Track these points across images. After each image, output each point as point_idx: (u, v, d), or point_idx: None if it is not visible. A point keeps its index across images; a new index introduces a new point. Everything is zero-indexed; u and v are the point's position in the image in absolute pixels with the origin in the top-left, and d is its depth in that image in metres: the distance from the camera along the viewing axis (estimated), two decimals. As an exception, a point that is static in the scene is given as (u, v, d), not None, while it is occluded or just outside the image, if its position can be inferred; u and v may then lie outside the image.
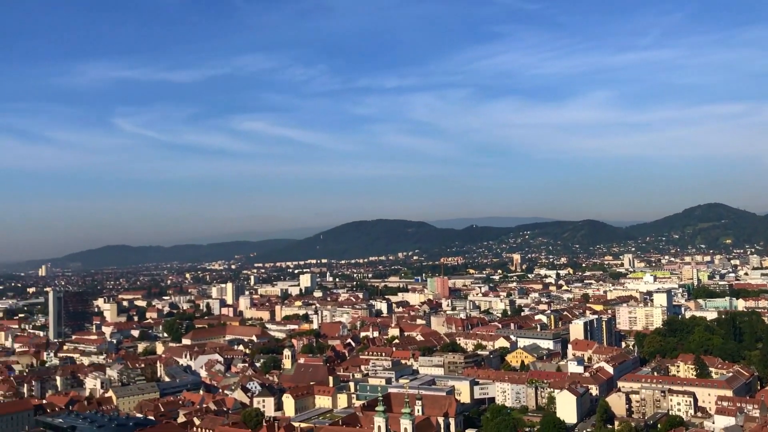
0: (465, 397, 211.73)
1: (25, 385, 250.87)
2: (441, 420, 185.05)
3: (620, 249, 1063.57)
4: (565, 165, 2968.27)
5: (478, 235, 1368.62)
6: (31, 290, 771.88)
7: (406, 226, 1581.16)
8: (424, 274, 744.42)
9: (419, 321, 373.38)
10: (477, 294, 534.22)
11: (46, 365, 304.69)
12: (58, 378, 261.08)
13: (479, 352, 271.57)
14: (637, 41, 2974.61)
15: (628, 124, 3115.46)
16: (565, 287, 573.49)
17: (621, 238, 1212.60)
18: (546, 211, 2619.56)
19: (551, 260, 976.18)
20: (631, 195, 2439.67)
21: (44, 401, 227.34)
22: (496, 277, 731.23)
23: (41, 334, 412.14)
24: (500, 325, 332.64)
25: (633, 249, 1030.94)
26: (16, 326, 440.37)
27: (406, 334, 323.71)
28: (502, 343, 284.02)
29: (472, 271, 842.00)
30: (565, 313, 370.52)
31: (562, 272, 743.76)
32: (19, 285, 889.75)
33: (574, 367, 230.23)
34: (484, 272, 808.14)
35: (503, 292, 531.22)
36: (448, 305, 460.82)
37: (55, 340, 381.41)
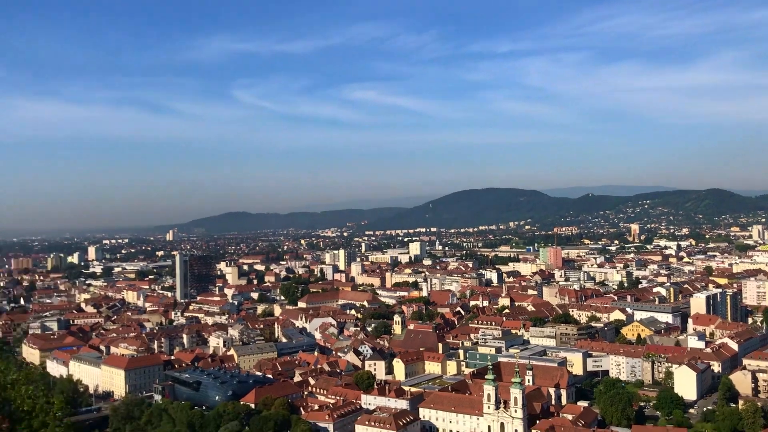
0: (577, 369, 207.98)
1: (156, 341, 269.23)
2: (552, 391, 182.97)
3: (748, 220, 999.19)
4: (689, 130, 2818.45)
5: (594, 204, 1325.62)
6: (159, 254, 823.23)
7: (518, 194, 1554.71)
8: (536, 244, 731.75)
9: (530, 291, 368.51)
10: (592, 265, 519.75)
11: (174, 324, 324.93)
12: (184, 336, 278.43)
13: (593, 324, 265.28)
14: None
15: (760, 87, 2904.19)
16: (686, 259, 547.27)
17: (750, 208, 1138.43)
18: (667, 179, 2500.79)
19: (672, 231, 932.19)
20: (761, 162, 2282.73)
21: (172, 357, 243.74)
22: (613, 248, 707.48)
23: (169, 294, 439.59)
24: (616, 298, 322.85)
25: (763, 220, 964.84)
26: (147, 287, 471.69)
27: (516, 304, 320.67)
28: (617, 315, 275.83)
29: (587, 241, 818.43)
30: (686, 286, 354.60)
31: (684, 243, 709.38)
32: (149, 249, 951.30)
33: (694, 342, 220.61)
34: (600, 243, 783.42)
35: (620, 263, 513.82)
36: (561, 276, 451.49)
37: (182, 301, 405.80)
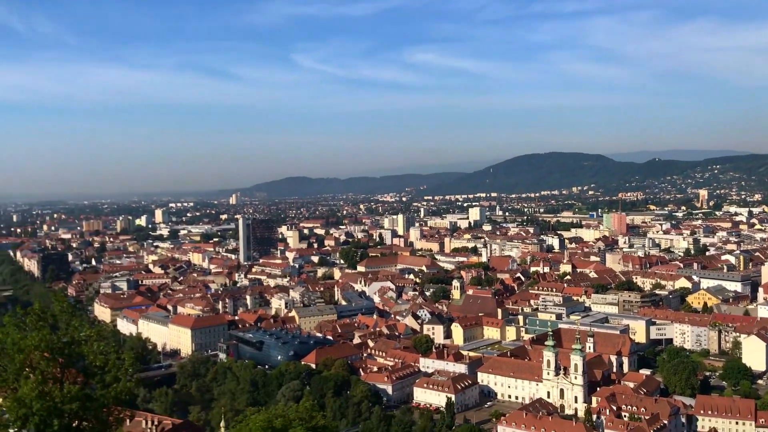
0: (640, 337, 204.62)
1: (220, 302, 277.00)
2: (613, 358, 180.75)
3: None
4: (763, 92, 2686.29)
5: (660, 169, 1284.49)
6: (223, 217, 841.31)
7: (582, 159, 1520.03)
8: (599, 210, 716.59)
9: (593, 258, 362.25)
10: (657, 231, 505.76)
11: (237, 285, 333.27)
12: (247, 297, 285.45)
13: (657, 291, 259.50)
14: None
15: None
16: (758, 226, 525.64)
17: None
18: (739, 143, 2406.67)
19: (743, 197, 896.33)
20: None
21: (236, 317, 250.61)
22: (680, 214, 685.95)
23: (233, 257, 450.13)
24: (682, 265, 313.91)
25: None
26: (212, 249, 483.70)
27: (578, 270, 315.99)
28: (683, 283, 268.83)
29: (652, 207, 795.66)
30: (757, 254, 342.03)
31: (756, 210, 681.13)
32: (213, 212, 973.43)
33: (765, 312, 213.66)
34: (666, 208, 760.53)
35: (687, 230, 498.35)
36: (625, 242, 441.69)
37: (245, 263, 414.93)
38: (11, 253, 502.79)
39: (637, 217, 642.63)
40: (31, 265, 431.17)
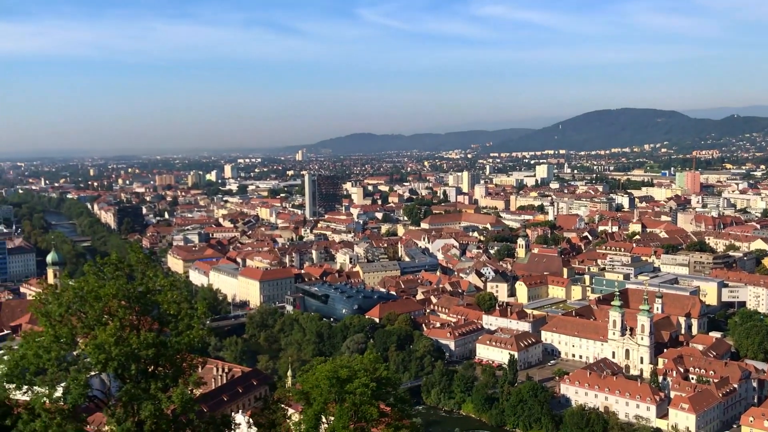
0: (711, 299, 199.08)
1: (287, 256, 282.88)
2: (682, 320, 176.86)
3: None
4: None
5: (739, 126, 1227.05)
6: (289, 173, 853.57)
7: (655, 115, 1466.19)
8: (672, 168, 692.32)
9: (664, 217, 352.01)
10: (733, 191, 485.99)
11: (303, 240, 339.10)
12: (313, 252, 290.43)
13: (731, 253, 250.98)
14: None
15: None
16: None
17: None
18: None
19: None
20: None
21: (302, 271, 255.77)
22: (758, 173, 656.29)
23: (299, 212, 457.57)
24: (758, 226, 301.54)
25: None
26: (278, 204, 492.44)
27: (648, 230, 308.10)
28: (759, 245, 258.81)
29: (728, 166, 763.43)
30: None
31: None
32: (280, 168, 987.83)
33: None
34: (744, 167, 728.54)
35: (765, 189, 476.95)
36: (698, 202, 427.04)
37: (311, 219, 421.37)
38: (89, 206, 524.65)
39: (712, 176, 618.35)
40: (108, 217, 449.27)
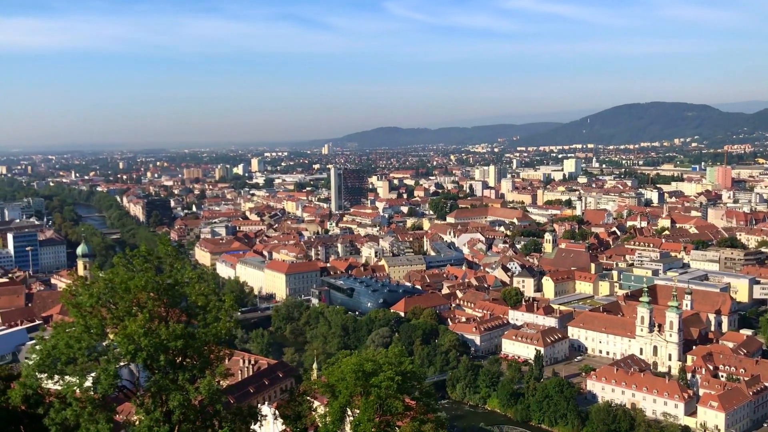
0: (742, 296, 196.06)
1: (313, 249, 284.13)
2: (712, 317, 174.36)
3: None
4: None
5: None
6: (315, 167, 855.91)
7: (686, 109, 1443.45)
8: (703, 163, 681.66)
9: (694, 213, 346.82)
10: (766, 186, 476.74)
11: (329, 233, 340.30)
12: (339, 245, 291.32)
13: (763, 249, 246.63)
14: None
15: None
16: None
17: None
18: None
19: None
20: None
21: (328, 264, 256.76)
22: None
23: (325, 205, 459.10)
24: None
25: None
26: (305, 198, 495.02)
27: (678, 225, 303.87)
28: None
29: (761, 160, 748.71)
30: None
31: None
32: (306, 162, 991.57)
33: None
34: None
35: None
36: (729, 197, 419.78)
37: (336, 212, 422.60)
38: (118, 199, 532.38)
39: (744, 170, 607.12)
40: (136, 210, 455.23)
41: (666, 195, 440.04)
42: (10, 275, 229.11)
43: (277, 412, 56.69)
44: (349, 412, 50.02)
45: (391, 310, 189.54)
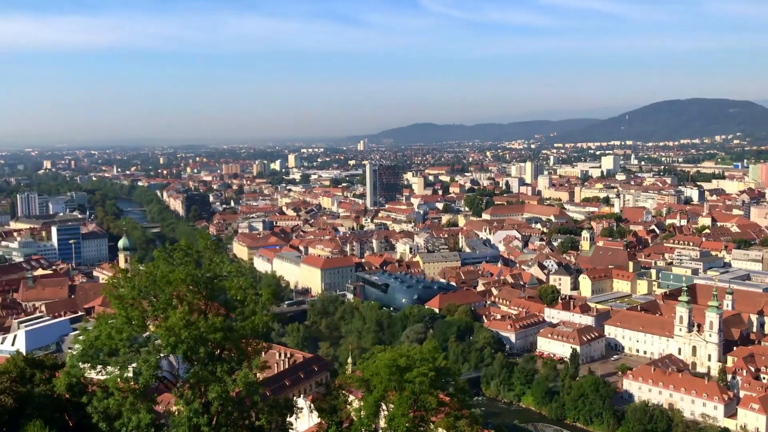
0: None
1: (348, 244, 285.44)
2: (754, 317, 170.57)
3: None
4: None
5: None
6: (351, 163, 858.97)
7: (728, 105, 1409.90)
8: (745, 160, 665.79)
9: (736, 211, 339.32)
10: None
11: (364, 229, 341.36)
12: (374, 241, 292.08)
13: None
14: None
15: None
16: None
17: None
18: None
19: None
20: None
21: (363, 260, 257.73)
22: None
23: (360, 201, 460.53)
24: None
25: None
26: (340, 193, 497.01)
27: (719, 224, 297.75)
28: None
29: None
30: None
31: None
32: (342, 158, 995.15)
33: None
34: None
35: None
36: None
37: (372, 208, 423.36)
38: (158, 193, 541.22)
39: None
40: (176, 204, 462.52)
41: (706, 193, 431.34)
42: (54, 267, 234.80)
43: (312, 405, 57.43)
44: (384, 407, 50.41)
45: (426, 307, 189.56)
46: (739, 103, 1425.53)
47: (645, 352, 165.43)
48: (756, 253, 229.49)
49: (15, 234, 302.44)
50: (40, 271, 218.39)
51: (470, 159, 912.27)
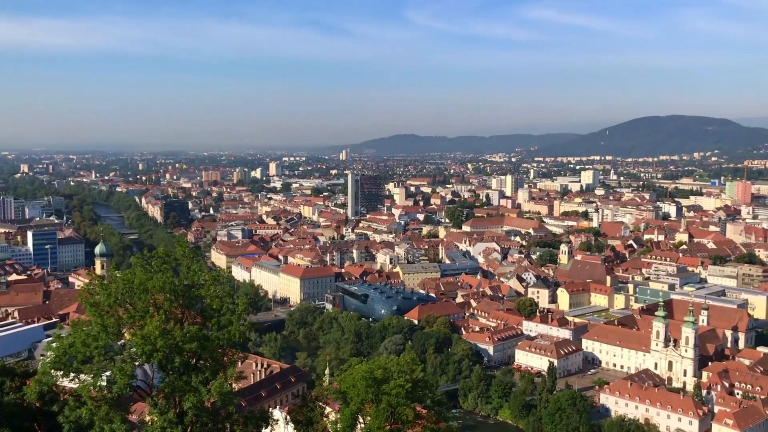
0: (760, 313, 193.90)
1: (328, 254, 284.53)
2: (729, 333, 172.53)
3: None
4: None
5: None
6: (333, 172, 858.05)
7: (706, 123, 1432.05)
8: (722, 177, 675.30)
9: (712, 228, 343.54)
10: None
11: (345, 239, 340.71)
12: (354, 251, 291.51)
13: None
14: None
15: None
16: None
17: None
18: None
19: None
20: None
21: (342, 270, 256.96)
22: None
23: (341, 211, 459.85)
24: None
25: None
26: (321, 203, 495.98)
27: (695, 240, 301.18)
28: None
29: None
30: None
31: None
32: (324, 167, 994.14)
33: None
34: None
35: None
36: (748, 213, 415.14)
37: (352, 218, 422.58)
38: (137, 199, 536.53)
39: (764, 186, 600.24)
40: (155, 211, 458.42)
41: (684, 209, 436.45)
42: (28, 272, 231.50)
43: (288, 416, 56.91)
44: (361, 420, 50.05)
45: (405, 318, 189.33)
46: (717, 120, 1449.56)
47: (622, 367, 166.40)
48: (731, 270, 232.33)
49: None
50: (14, 276, 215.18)
51: (452, 171, 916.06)
